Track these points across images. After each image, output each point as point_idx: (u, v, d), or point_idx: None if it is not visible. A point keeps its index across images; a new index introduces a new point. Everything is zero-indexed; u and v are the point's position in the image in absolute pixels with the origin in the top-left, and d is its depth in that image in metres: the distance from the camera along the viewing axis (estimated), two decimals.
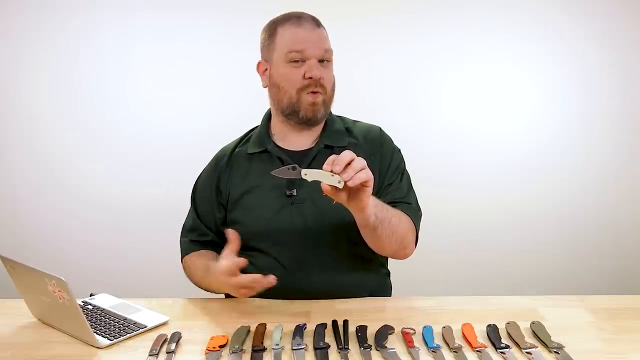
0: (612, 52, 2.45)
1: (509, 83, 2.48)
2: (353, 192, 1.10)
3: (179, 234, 1.49)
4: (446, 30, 2.44)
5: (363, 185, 1.08)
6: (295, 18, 1.33)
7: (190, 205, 1.49)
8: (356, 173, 1.06)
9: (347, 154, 1.07)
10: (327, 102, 1.35)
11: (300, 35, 1.30)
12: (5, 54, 2.46)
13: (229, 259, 1.19)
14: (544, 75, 2.48)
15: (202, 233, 1.43)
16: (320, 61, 1.31)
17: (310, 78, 1.29)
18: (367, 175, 1.08)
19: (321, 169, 1.08)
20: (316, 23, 1.33)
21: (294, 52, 1.30)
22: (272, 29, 1.35)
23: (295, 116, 1.34)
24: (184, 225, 1.49)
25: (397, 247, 1.29)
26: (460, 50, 2.45)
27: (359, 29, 2.41)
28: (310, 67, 1.29)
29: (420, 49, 2.45)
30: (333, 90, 1.37)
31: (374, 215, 1.17)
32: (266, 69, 1.37)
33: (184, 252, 1.45)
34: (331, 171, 1.06)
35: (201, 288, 1.37)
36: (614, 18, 2.43)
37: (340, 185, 1.06)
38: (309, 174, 1.10)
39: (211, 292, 1.34)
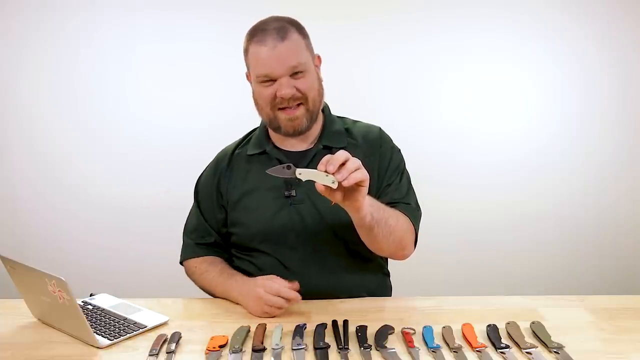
0: (612, 52, 2.45)
1: (509, 83, 2.48)
2: (348, 192, 1.09)
3: (180, 234, 1.48)
4: (446, 30, 2.44)
5: (358, 185, 1.08)
6: (259, 33, 1.26)
7: (192, 204, 1.48)
8: (350, 173, 1.05)
9: (342, 154, 1.07)
10: (312, 110, 1.31)
11: (263, 56, 1.24)
12: (5, 54, 2.46)
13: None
14: (544, 75, 2.48)
15: (206, 234, 1.43)
16: (294, 73, 1.26)
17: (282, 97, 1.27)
18: (362, 175, 1.07)
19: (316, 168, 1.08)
20: (281, 35, 1.24)
21: (261, 76, 1.27)
22: (246, 44, 1.30)
23: (278, 130, 1.34)
24: (186, 224, 1.48)
25: (395, 247, 1.29)
26: (460, 50, 2.45)
27: (359, 29, 2.41)
28: (280, 86, 1.26)
29: (420, 49, 2.45)
30: (319, 94, 1.33)
31: (370, 215, 1.17)
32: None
33: (189, 255, 1.44)
34: (325, 171, 1.06)
35: (211, 293, 1.37)
36: (614, 18, 2.43)
37: (334, 186, 1.06)
38: (303, 174, 1.10)
39: (222, 298, 1.34)
